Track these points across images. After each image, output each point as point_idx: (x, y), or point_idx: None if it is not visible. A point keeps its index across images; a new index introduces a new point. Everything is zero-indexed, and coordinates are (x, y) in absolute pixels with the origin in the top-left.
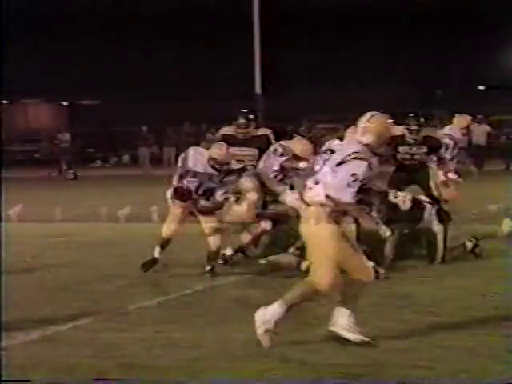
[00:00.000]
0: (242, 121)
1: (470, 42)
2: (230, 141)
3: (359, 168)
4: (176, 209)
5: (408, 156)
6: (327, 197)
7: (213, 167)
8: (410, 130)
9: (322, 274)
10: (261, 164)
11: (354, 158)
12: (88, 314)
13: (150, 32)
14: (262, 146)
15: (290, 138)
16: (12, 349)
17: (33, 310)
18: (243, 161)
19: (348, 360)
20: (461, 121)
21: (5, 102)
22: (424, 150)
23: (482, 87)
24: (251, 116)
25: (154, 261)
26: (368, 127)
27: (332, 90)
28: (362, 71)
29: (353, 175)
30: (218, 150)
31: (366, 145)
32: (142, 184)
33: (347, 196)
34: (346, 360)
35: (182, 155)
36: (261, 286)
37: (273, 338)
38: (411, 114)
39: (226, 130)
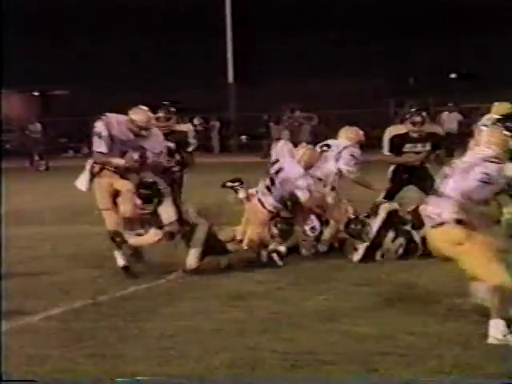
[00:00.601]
0: (161, 114)
1: (441, 30)
2: None
3: (489, 168)
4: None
5: (412, 154)
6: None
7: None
8: (414, 124)
9: (486, 272)
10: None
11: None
12: (59, 305)
13: (122, 20)
14: (181, 142)
15: (267, 126)
16: None
17: (4, 300)
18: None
19: (321, 348)
20: None
21: None
22: (428, 147)
23: (453, 75)
24: (172, 109)
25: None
26: (490, 140)
27: (304, 80)
28: (334, 61)
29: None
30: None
31: (493, 156)
32: None
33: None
34: (318, 348)
35: None
36: (233, 275)
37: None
38: (413, 109)
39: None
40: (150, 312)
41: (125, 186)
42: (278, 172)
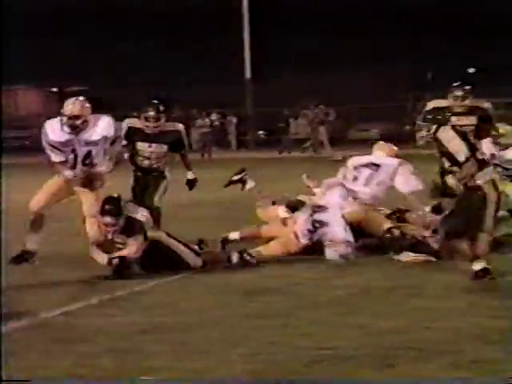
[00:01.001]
0: (151, 112)
1: (462, 25)
2: (136, 135)
3: None
4: None
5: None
6: None
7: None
8: (456, 98)
9: None
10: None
11: None
12: (78, 300)
13: (139, 17)
14: (173, 142)
15: (287, 122)
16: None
17: (21, 296)
18: (149, 158)
19: (339, 343)
20: None
21: None
22: (474, 121)
23: (471, 70)
24: (162, 107)
25: None
26: None
27: (321, 75)
28: (350, 56)
29: None
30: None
31: None
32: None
33: None
34: (336, 343)
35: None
36: (250, 270)
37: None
38: (455, 84)
39: (132, 122)
40: (168, 307)
41: (88, 210)
42: (321, 224)
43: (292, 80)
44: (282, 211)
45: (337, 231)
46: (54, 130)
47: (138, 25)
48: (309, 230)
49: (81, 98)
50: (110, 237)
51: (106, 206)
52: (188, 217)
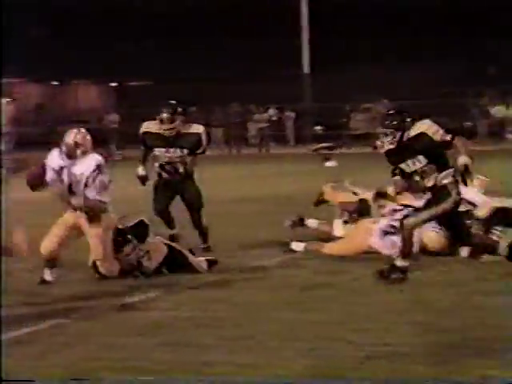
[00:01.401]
0: (165, 115)
1: None
2: (152, 140)
3: None
4: None
5: None
6: None
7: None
8: None
9: None
10: None
11: None
12: (134, 294)
13: (198, 12)
14: (192, 146)
15: (348, 117)
16: (53, 327)
17: (80, 290)
18: (170, 163)
19: (396, 340)
20: None
21: (55, 82)
22: None
23: None
24: (179, 109)
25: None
26: None
27: (379, 70)
28: (410, 49)
29: None
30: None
31: None
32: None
33: None
34: (393, 340)
35: None
36: (306, 266)
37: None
38: None
39: (148, 127)
40: (223, 301)
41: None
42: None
43: (351, 75)
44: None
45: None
46: (53, 156)
47: (197, 22)
48: (385, 232)
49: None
50: (132, 262)
51: (134, 231)
52: (244, 212)
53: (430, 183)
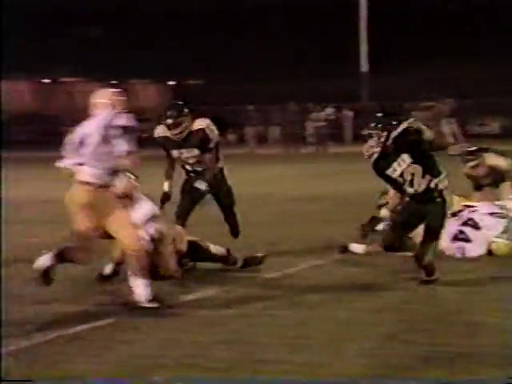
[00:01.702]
0: (169, 120)
1: None
2: (167, 144)
3: None
4: None
5: None
6: None
7: None
8: None
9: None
10: None
11: None
12: (192, 293)
13: (256, 11)
14: (200, 144)
15: (409, 115)
16: (110, 324)
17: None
18: (188, 163)
19: (457, 340)
20: None
21: (114, 82)
22: None
23: None
24: (185, 110)
25: None
26: None
27: (439, 67)
28: (472, 47)
29: None
30: None
31: None
32: (248, 163)
33: None
34: (454, 340)
35: None
36: (364, 265)
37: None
38: None
39: (160, 132)
40: (281, 300)
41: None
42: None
43: (409, 73)
44: None
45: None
46: None
47: (256, 22)
48: (455, 236)
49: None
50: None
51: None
52: (302, 211)
53: (420, 187)
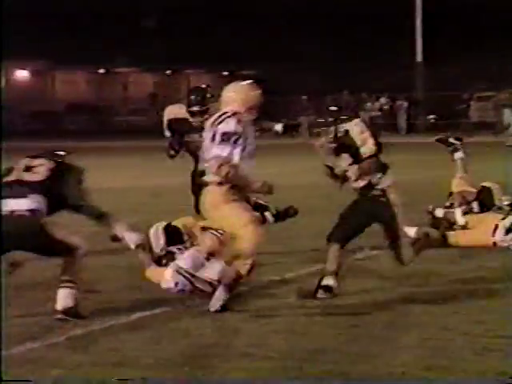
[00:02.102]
0: (195, 108)
1: None
2: (182, 128)
3: None
4: None
5: None
6: None
7: None
8: None
9: None
10: None
11: None
12: (247, 282)
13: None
14: None
15: (468, 105)
16: (165, 312)
17: None
18: None
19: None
20: None
21: (168, 72)
22: None
23: None
24: (208, 95)
25: None
26: None
27: (492, 59)
28: None
29: None
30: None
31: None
32: (301, 153)
33: None
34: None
35: None
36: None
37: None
38: None
39: (175, 112)
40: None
41: None
42: None
43: (464, 63)
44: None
45: None
46: None
47: (310, 12)
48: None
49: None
50: None
51: None
52: None
53: (361, 185)
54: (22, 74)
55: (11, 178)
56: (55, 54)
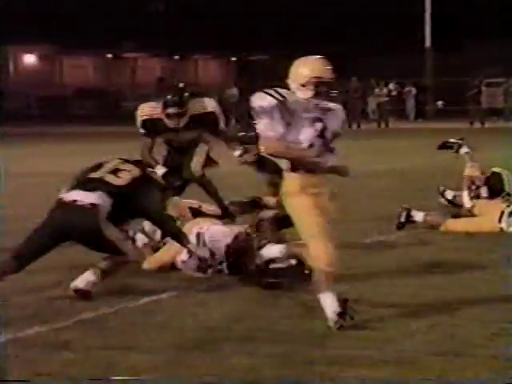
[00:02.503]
0: (171, 110)
1: None
2: (157, 128)
3: None
4: None
5: None
6: None
7: None
8: None
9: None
10: None
11: None
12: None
13: None
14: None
15: (479, 90)
16: (174, 297)
17: None
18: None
19: None
20: None
21: (176, 57)
22: None
23: None
24: (186, 94)
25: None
26: None
27: (500, 44)
28: None
29: None
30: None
31: None
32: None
33: None
34: None
35: None
36: (431, 242)
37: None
38: None
39: (149, 113)
40: (341, 275)
41: None
42: None
43: (474, 49)
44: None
45: None
46: None
47: None
48: None
49: None
50: None
51: None
52: (366, 186)
53: None
54: (29, 59)
55: (96, 175)
56: (62, 38)
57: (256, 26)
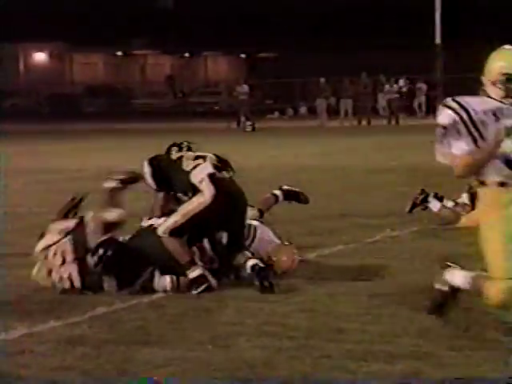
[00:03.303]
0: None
1: None
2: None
3: None
4: None
5: None
6: None
7: None
8: None
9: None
10: None
11: None
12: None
13: None
14: None
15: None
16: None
17: None
18: None
19: None
20: None
21: (186, 54)
22: None
23: None
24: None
25: None
26: None
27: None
28: None
29: None
30: None
31: None
32: (319, 135)
33: None
34: None
35: None
36: (444, 237)
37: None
38: None
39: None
40: (356, 270)
41: None
42: None
43: (483, 45)
44: None
45: None
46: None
47: None
48: None
49: None
50: None
51: None
52: (377, 183)
53: None
54: (40, 57)
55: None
56: (73, 36)
57: (266, 23)
